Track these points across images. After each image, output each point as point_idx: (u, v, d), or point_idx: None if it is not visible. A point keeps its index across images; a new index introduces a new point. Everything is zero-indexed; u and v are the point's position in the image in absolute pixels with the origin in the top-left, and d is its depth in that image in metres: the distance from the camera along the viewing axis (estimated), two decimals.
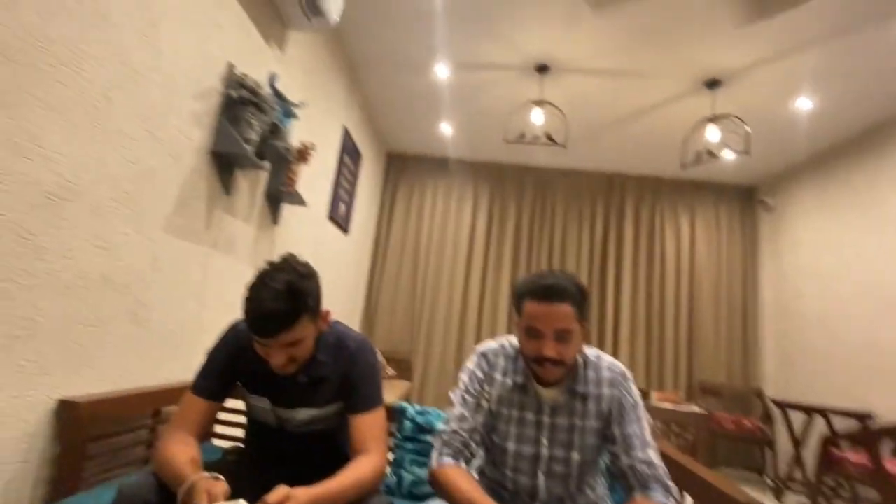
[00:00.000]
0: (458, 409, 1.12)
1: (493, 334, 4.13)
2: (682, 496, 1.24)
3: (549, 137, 2.97)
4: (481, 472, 1.20)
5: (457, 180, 4.58)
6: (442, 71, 3.09)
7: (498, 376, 1.14)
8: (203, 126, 1.62)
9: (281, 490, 0.78)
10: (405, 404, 1.60)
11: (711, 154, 3.00)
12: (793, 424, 3.24)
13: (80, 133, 1.14)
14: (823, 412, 2.97)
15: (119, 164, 1.27)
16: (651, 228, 4.40)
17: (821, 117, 3.15)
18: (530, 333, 1.04)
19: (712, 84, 2.89)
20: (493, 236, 4.45)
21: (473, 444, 1.09)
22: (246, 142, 1.69)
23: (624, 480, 1.04)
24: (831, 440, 2.49)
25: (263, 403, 1.11)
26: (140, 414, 1.42)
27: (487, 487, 1.15)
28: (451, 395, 1.16)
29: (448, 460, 1.06)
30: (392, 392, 3.32)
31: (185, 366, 1.67)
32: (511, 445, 1.11)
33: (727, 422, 3.50)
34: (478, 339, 4.19)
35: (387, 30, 2.76)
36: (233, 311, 1.89)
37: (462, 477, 1.00)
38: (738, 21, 2.34)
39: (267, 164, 1.94)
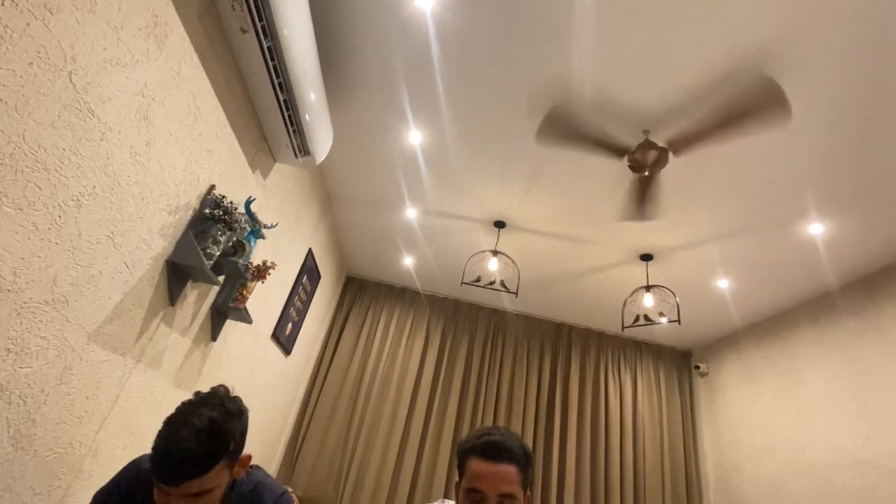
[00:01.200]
0: None
1: (427, 496, 3.75)
2: None
3: (503, 284, 3.16)
4: None
5: (412, 310, 4.62)
6: (410, 212, 3.36)
7: None
8: (166, 237, 1.63)
9: None
10: None
11: (648, 319, 3.24)
12: None
13: (36, 233, 1.12)
14: None
15: (65, 267, 1.23)
16: (596, 380, 4.47)
17: (738, 297, 3.56)
18: (472, 497, 0.98)
19: (645, 257, 3.27)
20: (442, 374, 4.34)
21: None
22: (206, 256, 1.69)
23: None
24: None
25: None
26: None
27: None
28: None
29: None
30: None
31: (58, 502, 1.39)
32: None
33: None
34: (411, 498, 3.78)
35: (365, 171, 3.05)
36: (135, 440, 1.67)
37: None
38: (668, 211, 2.78)
39: (220, 279, 1.92)
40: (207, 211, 1.72)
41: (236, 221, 1.82)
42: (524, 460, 1.00)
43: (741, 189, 2.52)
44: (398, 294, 4.69)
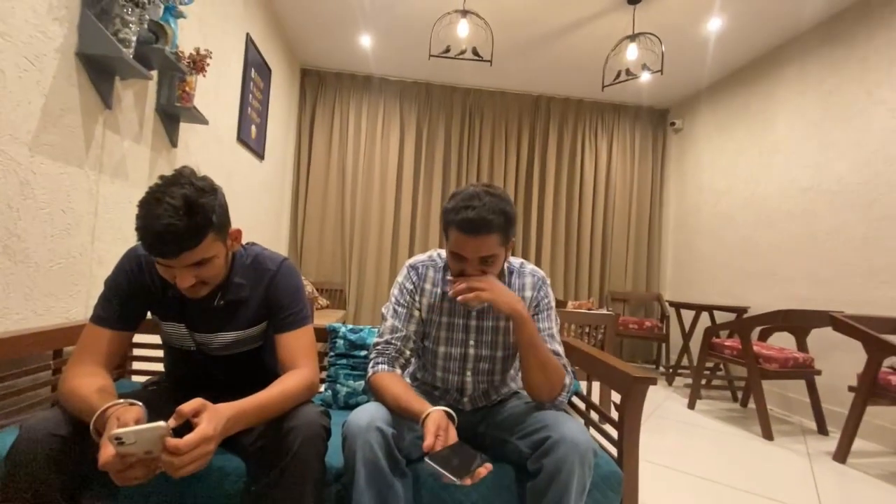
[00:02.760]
0: (389, 321, 1.15)
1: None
2: (589, 383, 1.41)
3: (475, 52, 2.86)
4: (413, 377, 1.27)
5: (382, 99, 4.33)
6: None
7: (427, 286, 1.18)
8: (62, 21, 1.34)
9: (196, 400, 0.75)
10: (337, 324, 1.60)
11: (630, 73, 3.07)
12: (683, 321, 3.76)
13: None
14: (709, 309, 3.46)
15: None
16: (573, 149, 4.56)
17: (728, 38, 3.31)
18: (455, 257, 1.06)
19: (632, 0, 2.89)
20: (423, 159, 4.37)
21: (408, 352, 1.14)
22: (121, 43, 1.43)
23: None
24: (712, 330, 2.93)
25: (179, 330, 1.06)
26: (39, 355, 1.29)
27: (419, 389, 1.23)
28: (383, 309, 1.19)
29: (382, 367, 1.09)
30: (325, 321, 3.32)
31: (85, 303, 1.52)
32: (441, 348, 1.17)
33: (631, 323, 3.97)
34: None
35: None
36: (132, 240, 1.73)
37: (394, 380, 1.04)
38: None
39: (152, 74, 1.68)
40: None
41: None
42: (504, 224, 1.02)
43: None
44: (363, 83, 4.31)
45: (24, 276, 1.28)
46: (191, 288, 0.92)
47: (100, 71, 1.48)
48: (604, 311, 2.64)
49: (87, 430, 0.79)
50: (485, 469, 0.80)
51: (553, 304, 1.21)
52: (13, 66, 1.19)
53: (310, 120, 4.27)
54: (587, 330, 2.58)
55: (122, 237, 1.67)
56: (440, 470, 0.77)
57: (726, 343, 2.85)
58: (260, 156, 3.20)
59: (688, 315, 3.75)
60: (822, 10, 2.93)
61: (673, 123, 4.55)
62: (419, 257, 1.23)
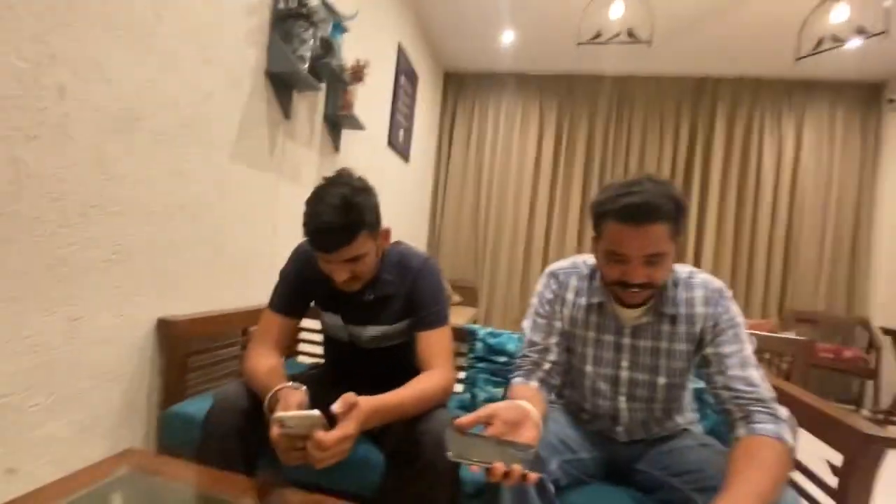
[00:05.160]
0: (528, 335, 1.07)
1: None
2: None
3: (631, 34, 2.58)
4: (560, 394, 1.16)
5: (520, 97, 4.24)
6: None
7: (570, 296, 1.05)
8: (257, 45, 1.55)
9: (346, 397, 0.78)
10: (476, 326, 1.58)
11: (837, 39, 2.45)
12: None
13: (133, 54, 1.10)
14: None
15: (176, 88, 1.24)
16: (747, 138, 3.85)
17: None
18: (613, 259, 0.89)
19: None
20: (562, 156, 4.16)
21: (547, 364, 1.03)
22: (299, 60, 1.60)
23: (721, 406, 0.90)
24: None
25: (335, 321, 1.13)
26: (230, 332, 1.52)
27: (566, 408, 1.12)
28: (523, 324, 1.10)
29: (518, 380, 1.02)
30: (458, 318, 3.38)
31: (267, 288, 1.76)
32: (589, 367, 1.04)
33: (824, 351, 3.20)
34: (544, 266, 4.09)
35: None
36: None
37: (522, 393, 0.94)
38: None
39: (322, 85, 1.86)
40: (282, 5, 1.55)
41: (315, 13, 1.64)
42: (674, 212, 0.85)
43: None
44: (502, 82, 4.27)
45: (222, 267, 1.52)
46: (345, 282, 0.98)
47: (282, 86, 1.68)
48: (791, 335, 2.16)
49: (262, 406, 0.89)
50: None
51: (740, 320, 0.95)
52: (220, 87, 1.41)
53: (450, 121, 4.39)
54: (767, 356, 2.13)
55: (296, 232, 1.89)
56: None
57: None
58: (406, 158, 3.38)
59: None
60: None
61: (892, 100, 3.53)
62: (560, 263, 1.10)
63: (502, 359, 1.49)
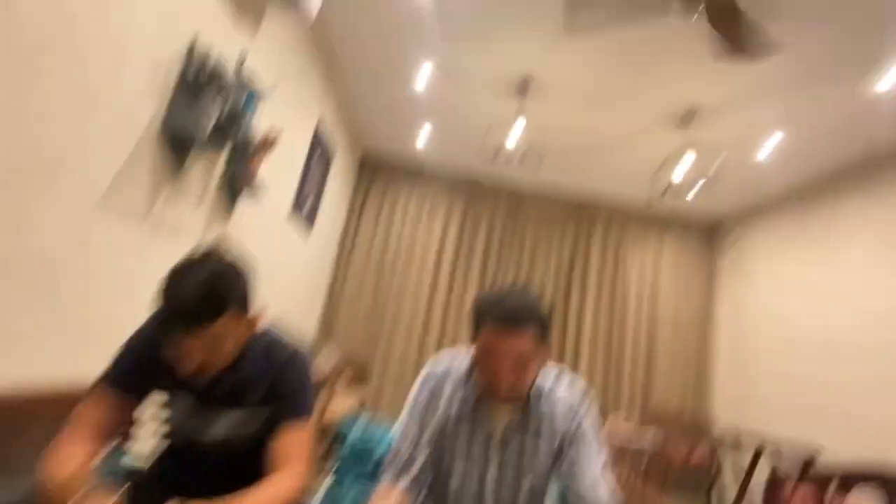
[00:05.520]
0: (398, 438, 1.04)
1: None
2: None
3: (526, 155, 2.96)
4: (427, 497, 1.11)
5: (430, 191, 4.51)
6: (425, 76, 3.04)
7: (442, 404, 1.05)
8: (154, 99, 1.49)
9: None
10: (347, 428, 1.48)
11: (681, 187, 3.05)
12: (741, 456, 3.29)
13: (3, 82, 0.99)
14: (770, 446, 3.02)
15: (47, 127, 1.12)
16: (616, 258, 4.47)
17: (786, 159, 3.27)
18: (486, 358, 0.95)
19: (686, 117, 2.95)
20: (463, 251, 4.41)
21: (416, 468, 0.99)
22: (202, 123, 1.56)
23: None
24: (778, 475, 2.52)
25: (178, 411, 0.98)
26: (48, 414, 1.24)
27: None
28: (395, 426, 1.08)
29: (385, 483, 0.98)
30: (346, 397, 3.17)
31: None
32: (455, 477, 1.03)
33: (678, 451, 3.52)
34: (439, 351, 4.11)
35: (373, 27, 2.68)
36: None
37: (389, 495, 0.93)
38: (716, 56, 2.40)
39: (224, 150, 1.81)
40: (194, 70, 1.54)
41: (228, 82, 1.65)
42: (541, 322, 0.94)
43: (804, 34, 2.12)
44: (416, 174, 4.54)
45: (61, 331, 1.28)
46: (195, 368, 0.87)
47: (177, 144, 1.60)
48: (648, 436, 2.35)
49: None
50: None
51: (595, 431, 1.03)
52: (100, 134, 1.30)
53: (362, 200, 4.47)
54: (629, 455, 2.28)
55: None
56: None
57: (795, 497, 2.42)
58: (309, 230, 3.32)
59: (745, 447, 3.28)
60: (872, 146, 2.86)
61: (726, 238, 4.41)
62: (440, 362, 1.12)
63: (373, 458, 1.40)
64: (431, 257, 4.34)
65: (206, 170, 1.86)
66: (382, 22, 2.61)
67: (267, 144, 2.01)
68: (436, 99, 3.29)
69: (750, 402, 3.74)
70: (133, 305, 1.56)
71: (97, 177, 1.32)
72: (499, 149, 3.01)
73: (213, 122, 1.61)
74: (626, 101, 2.91)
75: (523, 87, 2.92)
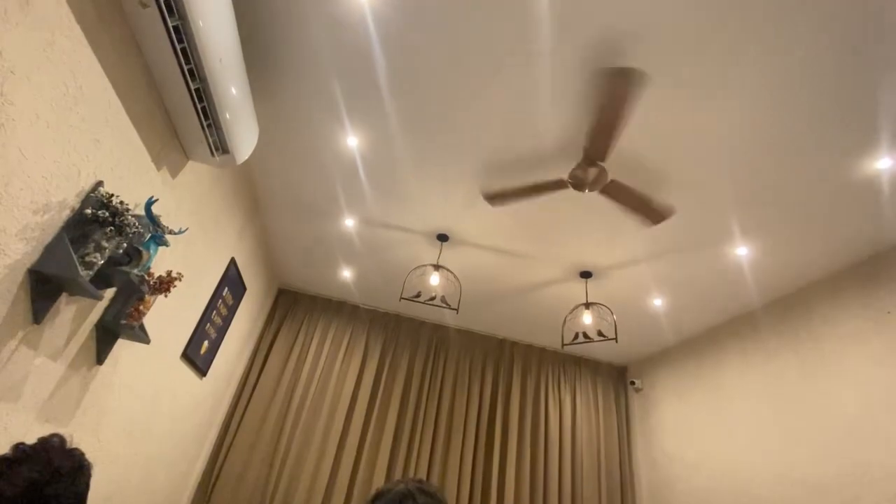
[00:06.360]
0: None
1: None
2: None
3: (444, 301, 3.03)
4: None
5: (350, 325, 4.36)
6: (348, 222, 3.16)
7: None
8: (29, 240, 1.34)
9: None
10: None
11: (587, 336, 3.24)
12: None
13: None
14: None
15: None
16: (536, 396, 4.43)
17: (670, 315, 3.66)
18: None
19: (585, 275, 3.28)
20: (380, 391, 4.10)
21: None
22: (85, 266, 1.42)
23: None
24: None
25: None
26: None
27: None
28: None
29: None
30: None
31: None
32: None
33: None
34: None
35: (298, 176, 2.82)
36: None
37: None
38: (607, 230, 2.79)
39: (104, 294, 1.63)
40: (89, 211, 1.45)
41: (128, 225, 1.55)
42: None
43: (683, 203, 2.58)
44: (336, 308, 4.42)
45: None
46: None
47: (46, 287, 1.41)
48: None
49: None
50: None
51: None
52: None
53: (272, 337, 4.16)
54: None
55: None
56: None
57: None
58: (203, 373, 2.95)
59: None
60: (741, 305, 3.35)
61: (633, 383, 4.61)
62: None
63: None
64: (344, 404, 3.95)
65: (80, 314, 1.64)
66: (309, 172, 2.76)
67: (162, 287, 1.86)
68: (357, 243, 3.39)
69: None
70: None
71: None
72: (419, 292, 3.06)
73: (99, 264, 1.47)
74: (533, 257, 3.20)
75: (442, 238, 3.12)
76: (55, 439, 0.75)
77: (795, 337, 3.04)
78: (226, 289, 2.95)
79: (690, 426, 3.75)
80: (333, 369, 4.11)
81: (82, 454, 0.75)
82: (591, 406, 4.53)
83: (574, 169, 2.16)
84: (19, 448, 0.71)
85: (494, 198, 2.33)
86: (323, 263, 3.83)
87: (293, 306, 4.35)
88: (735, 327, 3.55)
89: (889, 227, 2.45)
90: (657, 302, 3.52)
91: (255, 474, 3.57)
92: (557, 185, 2.23)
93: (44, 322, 1.46)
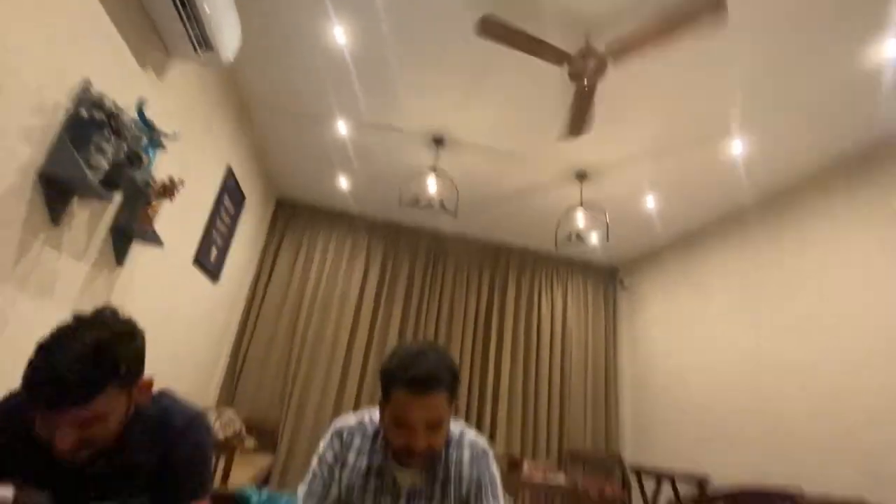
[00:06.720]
0: (304, 496, 0.99)
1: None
2: None
3: (442, 205, 3.09)
4: None
5: (350, 235, 4.48)
6: (342, 126, 3.10)
7: (351, 458, 1.03)
8: (34, 143, 1.36)
9: None
10: (249, 491, 1.37)
11: (579, 237, 3.36)
12: (645, 489, 3.49)
13: None
14: (670, 478, 3.26)
15: None
16: (530, 299, 4.70)
17: (662, 213, 3.76)
18: (399, 423, 0.94)
19: (580, 175, 3.31)
20: (384, 297, 4.35)
21: None
22: (90, 167, 1.45)
23: None
24: (677, 500, 2.71)
25: (40, 500, 0.85)
26: None
27: None
28: (300, 488, 1.03)
29: None
30: (250, 467, 2.88)
31: None
32: None
33: (592, 489, 3.64)
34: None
35: (287, 76, 2.72)
36: None
37: None
38: (605, 125, 2.76)
39: (116, 196, 1.68)
40: (84, 113, 1.44)
41: (125, 127, 1.56)
42: (451, 382, 0.97)
43: (670, 105, 2.54)
44: (335, 218, 4.50)
45: None
46: (70, 450, 0.75)
47: (59, 190, 1.46)
48: (561, 479, 2.43)
49: None
50: None
51: (497, 479, 1.06)
52: None
53: (276, 247, 4.30)
54: (542, 497, 2.33)
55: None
56: None
57: None
58: (215, 278, 3.11)
59: (648, 480, 3.50)
60: (731, 202, 3.43)
61: (622, 282, 4.86)
62: (347, 421, 1.09)
63: None
64: (350, 306, 4.22)
65: (94, 217, 1.71)
66: (300, 72, 2.65)
67: (167, 192, 1.90)
68: (352, 149, 3.36)
69: (651, 436, 4.03)
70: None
71: None
72: (416, 198, 3.12)
73: (104, 167, 1.50)
74: (528, 157, 3.20)
75: (437, 141, 3.10)
76: (108, 309, 0.85)
77: (780, 235, 3.17)
78: (226, 196, 2.99)
79: (674, 320, 4.05)
80: (338, 277, 4.31)
81: (135, 321, 0.86)
82: (582, 305, 4.83)
83: (581, 53, 2.04)
84: (79, 316, 0.81)
85: (488, 28, 2.05)
86: (318, 171, 3.82)
87: (292, 218, 4.42)
88: (723, 226, 3.67)
89: (882, 121, 2.44)
90: (650, 201, 3.59)
91: (275, 366, 3.94)
92: (558, 55, 2.06)
93: (62, 224, 1.53)
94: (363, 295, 4.31)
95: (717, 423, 3.34)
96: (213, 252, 2.98)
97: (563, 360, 4.54)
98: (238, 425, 3.23)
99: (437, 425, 0.94)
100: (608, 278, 5.03)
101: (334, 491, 1.00)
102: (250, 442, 3.37)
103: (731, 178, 3.12)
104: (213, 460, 0.97)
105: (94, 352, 0.75)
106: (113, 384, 0.77)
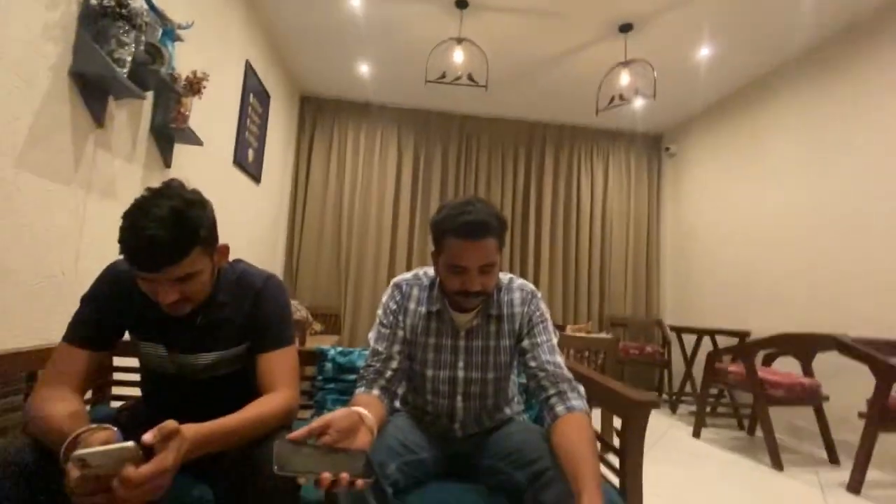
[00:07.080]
0: (372, 345, 1.11)
1: None
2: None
3: (471, 78, 2.90)
4: (404, 400, 1.21)
5: (380, 126, 4.39)
6: (356, 2, 2.84)
7: (412, 306, 1.14)
8: (58, 41, 1.34)
9: (164, 425, 0.68)
10: (325, 347, 1.55)
11: (623, 98, 3.11)
12: (685, 346, 3.68)
13: None
14: (710, 333, 3.40)
15: None
16: (569, 175, 4.59)
17: (718, 66, 3.37)
18: (454, 270, 1.02)
19: (625, 28, 2.96)
20: (420, 183, 4.39)
21: (389, 372, 1.07)
22: (116, 63, 1.43)
23: (535, 383, 1.04)
24: (714, 355, 2.86)
25: (158, 351, 1.00)
26: (9, 377, 1.23)
27: (410, 413, 1.17)
28: (370, 334, 1.14)
29: (360, 390, 1.04)
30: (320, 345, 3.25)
31: (61, 326, 1.47)
32: (429, 371, 1.12)
33: (632, 348, 3.89)
34: None
35: None
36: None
37: (362, 401, 0.96)
38: None
39: (147, 94, 1.68)
40: (95, 1, 1.39)
41: (138, 16, 1.50)
42: (499, 228, 1.02)
43: None
44: (361, 110, 4.37)
45: (2, 294, 1.24)
46: (173, 304, 0.88)
47: (93, 90, 1.48)
48: (603, 335, 2.58)
49: (55, 460, 0.72)
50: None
51: (547, 316, 1.14)
52: (2, 84, 1.18)
53: (308, 145, 4.31)
54: (586, 354, 2.52)
55: (107, 257, 1.64)
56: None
57: (730, 369, 2.78)
58: (257, 179, 3.20)
59: (689, 340, 3.67)
60: (808, 38, 2.99)
61: (668, 148, 4.60)
62: (404, 275, 1.19)
63: (352, 377, 1.48)
64: (389, 193, 4.32)
65: (132, 117, 1.74)
66: None
67: (193, 87, 1.88)
68: (370, 27, 3.11)
69: (692, 298, 4.12)
70: (74, 261, 1.52)
71: (12, 132, 1.22)
72: (443, 73, 2.93)
73: (128, 61, 1.48)
74: (565, 12, 2.86)
75: (461, 4, 2.80)
76: (175, 181, 0.92)
77: (848, 72, 2.80)
78: (251, 95, 2.94)
79: (721, 182, 3.86)
80: (373, 167, 4.34)
81: (199, 192, 0.93)
82: (624, 177, 4.67)
83: None
84: (151, 188, 0.87)
85: None
86: (338, 58, 3.62)
87: (319, 114, 4.34)
88: (786, 71, 3.27)
89: None
90: (703, 51, 3.20)
91: (328, 258, 4.22)
92: None
93: (105, 125, 1.57)
94: (400, 182, 4.37)
95: (762, 282, 3.34)
96: (251, 154, 3.02)
97: (603, 230, 4.56)
98: (304, 313, 3.58)
99: (488, 268, 1.00)
100: (651, 146, 4.77)
101: (399, 334, 1.11)
102: (317, 325, 3.75)
103: (794, 14, 2.69)
104: (291, 313, 1.08)
105: (175, 217, 0.82)
106: (197, 245, 0.86)
